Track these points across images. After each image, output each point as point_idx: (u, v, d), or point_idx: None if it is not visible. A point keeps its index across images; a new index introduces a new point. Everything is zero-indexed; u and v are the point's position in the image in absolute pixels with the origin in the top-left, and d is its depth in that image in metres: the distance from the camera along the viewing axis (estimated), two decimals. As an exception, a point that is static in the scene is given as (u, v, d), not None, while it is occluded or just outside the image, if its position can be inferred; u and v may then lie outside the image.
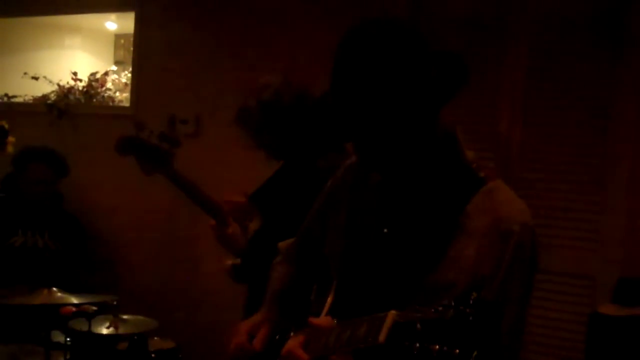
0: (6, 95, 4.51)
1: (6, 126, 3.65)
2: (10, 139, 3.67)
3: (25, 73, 4.43)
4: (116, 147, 2.45)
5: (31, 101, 4.50)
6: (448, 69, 1.34)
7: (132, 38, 4.30)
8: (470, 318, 1.07)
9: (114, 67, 4.83)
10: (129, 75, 4.37)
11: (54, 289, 2.68)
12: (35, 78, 4.42)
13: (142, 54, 4.15)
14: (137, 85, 4.15)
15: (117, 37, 5.10)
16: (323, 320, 1.41)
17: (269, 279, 1.86)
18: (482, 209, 1.37)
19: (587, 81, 2.96)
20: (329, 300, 1.58)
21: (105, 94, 4.50)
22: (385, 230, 1.46)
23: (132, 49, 4.30)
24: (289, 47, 3.67)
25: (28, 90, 4.51)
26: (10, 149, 3.65)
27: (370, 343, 1.16)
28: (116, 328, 2.72)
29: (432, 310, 1.09)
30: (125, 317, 2.82)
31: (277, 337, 1.71)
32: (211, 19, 3.92)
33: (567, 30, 3.01)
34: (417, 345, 1.07)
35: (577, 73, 2.98)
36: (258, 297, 2.00)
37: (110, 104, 4.48)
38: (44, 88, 4.46)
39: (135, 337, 2.75)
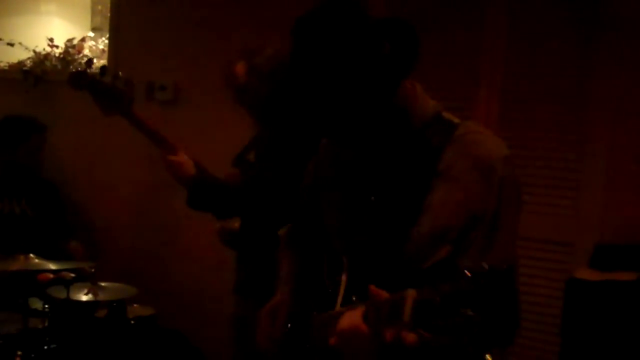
0: (-19, 61, 4.44)
1: (-19, 92, 3.61)
2: (-14, 105, 3.63)
3: (0, 39, 4.36)
4: (68, 80, 2.44)
5: (6, 68, 4.41)
6: (401, 42, 1.37)
7: (109, 4, 4.23)
8: (483, 283, 1.10)
9: (91, 34, 4.75)
10: (107, 41, 4.30)
11: (31, 255, 2.65)
12: (11, 44, 4.33)
13: (119, 20, 4.08)
14: (115, 52, 4.09)
15: (94, 2, 5.00)
16: (379, 291, 1.34)
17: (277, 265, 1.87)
18: (459, 154, 1.40)
19: (566, 52, 2.96)
20: (344, 278, 1.59)
21: (83, 61, 4.42)
22: (373, 198, 1.49)
23: (109, 15, 4.22)
24: (274, 16, 3.62)
25: (3, 57, 4.42)
26: (-14, 114, 3.61)
27: (397, 324, 1.18)
28: (95, 295, 2.71)
29: (448, 285, 1.11)
30: (103, 284, 2.81)
31: (289, 324, 1.72)
32: (190, -16, 3.86)
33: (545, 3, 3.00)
34: (440, 321, 1.11)
35: (556, 43, 2.98)
36: (246, 260, 2.18)
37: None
38: (19, 54, 4.37)
39: (114, 304, 2.74)
